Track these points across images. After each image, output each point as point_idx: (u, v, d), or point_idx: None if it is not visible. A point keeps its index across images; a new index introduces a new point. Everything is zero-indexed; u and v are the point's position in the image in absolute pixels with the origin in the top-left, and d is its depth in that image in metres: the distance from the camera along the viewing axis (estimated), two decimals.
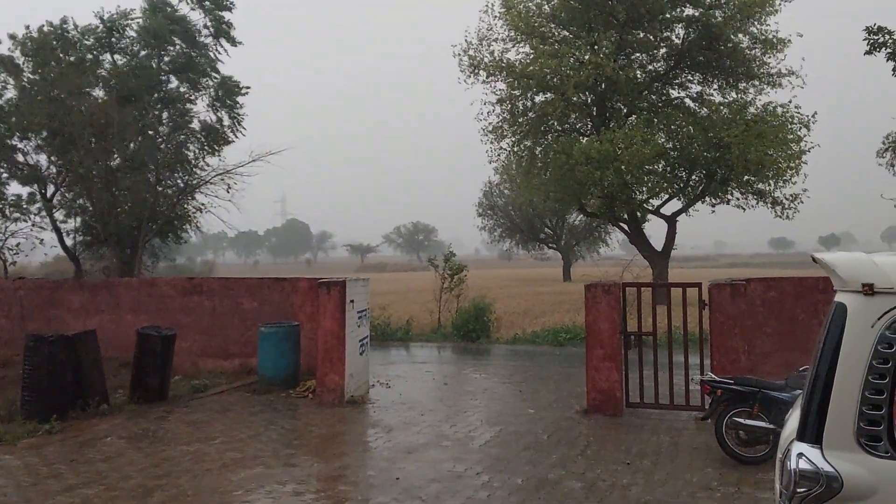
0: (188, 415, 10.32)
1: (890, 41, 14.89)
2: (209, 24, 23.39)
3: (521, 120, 26.82)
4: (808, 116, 24.46)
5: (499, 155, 28.48)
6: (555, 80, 24.19)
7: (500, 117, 27.01)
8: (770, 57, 25.42)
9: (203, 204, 23.28)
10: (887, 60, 15.33)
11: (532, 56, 25.41)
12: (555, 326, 19.90)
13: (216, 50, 23.59)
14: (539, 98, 26.32)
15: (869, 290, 2.99)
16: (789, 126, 24.00)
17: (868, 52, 15.23)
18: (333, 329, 11.04)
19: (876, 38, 15.04)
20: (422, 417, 10.12)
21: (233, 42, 23.72)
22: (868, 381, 2.94)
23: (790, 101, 24.53)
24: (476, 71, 26.12)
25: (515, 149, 27.81)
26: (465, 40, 26.60)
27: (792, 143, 23.82)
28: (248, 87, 23.90)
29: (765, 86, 25.85)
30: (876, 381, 2.93)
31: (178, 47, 23.34)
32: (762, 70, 25.56)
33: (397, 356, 16.92)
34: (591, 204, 29.80)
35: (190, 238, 26.94)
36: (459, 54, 26.39)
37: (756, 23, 24.99)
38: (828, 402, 3.00)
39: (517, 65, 25.55)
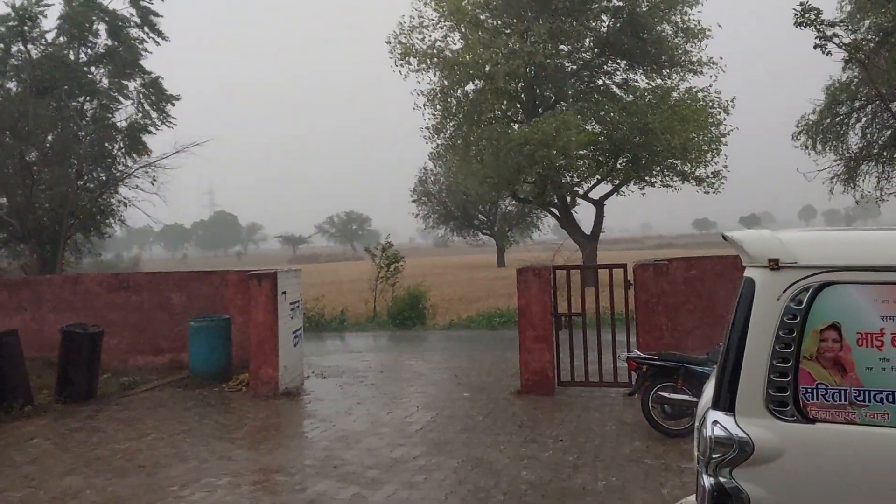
0: (118, 413, 10.08)
1: (817, 20, 15.18)
2: (134, 13, 22.52)
3: (456, 111, 26.61)
4: (727, 101, 25.40)
5: (437, 151, 28.38)
6: (485, 68, 24.30)
7: (437, 114, 26.75)
8: (692, 46, 26.22)
9: (126, 198, 22.54)
10: (815, 47, 15.53)
11: (463, 46, 25.44)
12: (489, 311, 20.17)
13: (142, 42, 22.69)
14: (469, 87, 26.39)
15: (774, 264, 3.19)
16: (710, 110, 24.85)
17: (797, 25, 15.46)
18: (266, 321, 10.94)
19: (806, 16, 15.26)
20: (358, 406, 10.16)
21: (159, 34, 22.87)
22: (775, 350, 3.14)
23: (710, 86, 25.41)
24: (406, 58, 25.95)
25: (451, 139, 27.71)
26: (400, 23, 26.26)
27: (712, 126, 24.69)
28: (177, 97, 22.98)
29: (687, 73, 26.65)
30: (782, 350, 3.13)
31: (101, 38, 22.37)
32: (684, 58, 26.33)
33: (332, 346, 16.86)
34: (523, 189, 30.13)
35: (114, 233, 26.04)
36: (391, 41, 26.20)
37: (679, 13, 25.71)
38: (739, 371, 3.19)
39: (448, 54, 25.54)
